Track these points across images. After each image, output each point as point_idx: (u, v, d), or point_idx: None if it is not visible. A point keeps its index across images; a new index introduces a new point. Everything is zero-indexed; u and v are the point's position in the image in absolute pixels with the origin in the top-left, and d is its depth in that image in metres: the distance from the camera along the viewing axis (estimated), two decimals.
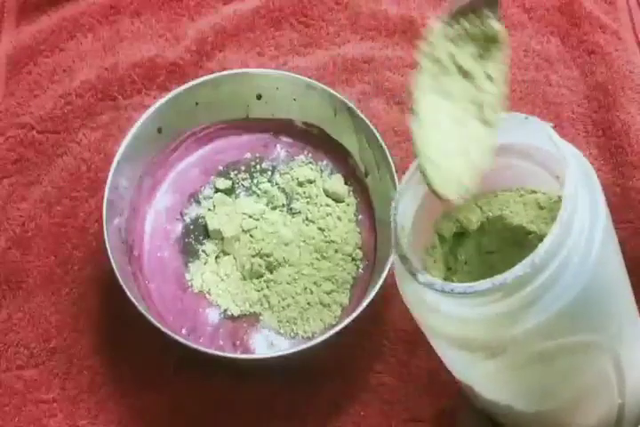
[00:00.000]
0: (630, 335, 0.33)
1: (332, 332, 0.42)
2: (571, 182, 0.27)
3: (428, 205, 0.32)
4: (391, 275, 0.46)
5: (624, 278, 0.31)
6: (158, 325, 0.41)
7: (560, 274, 0.26)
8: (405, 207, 0.31)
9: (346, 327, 0.42)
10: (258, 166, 0.52)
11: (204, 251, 0.49)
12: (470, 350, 0.30)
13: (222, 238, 0.48)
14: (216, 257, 0.48)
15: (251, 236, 0.48)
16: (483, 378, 0.32)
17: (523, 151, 0.31)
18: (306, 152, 0.52)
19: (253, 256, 0.48)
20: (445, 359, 0.34)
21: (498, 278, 0.26)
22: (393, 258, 0.31)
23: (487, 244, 0.33)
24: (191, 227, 0.50)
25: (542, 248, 0.26)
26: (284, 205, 0.50)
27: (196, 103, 0.50)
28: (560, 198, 0.31)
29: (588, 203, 0.28)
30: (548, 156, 0.30)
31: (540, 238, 0.26)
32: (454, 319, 0.29)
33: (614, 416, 0.35)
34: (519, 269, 0.26)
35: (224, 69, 0.53)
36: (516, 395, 0.33)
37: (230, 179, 0.51)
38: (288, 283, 0.47)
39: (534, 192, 0.33)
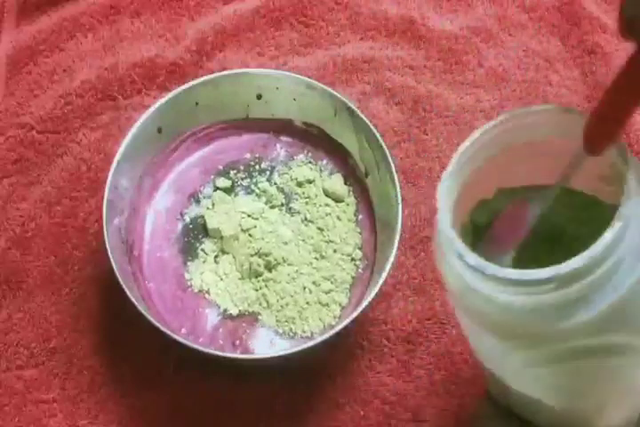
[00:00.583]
0: None
1: (332, 332, 0.42)
2: (632, 181, 0.27)
3: (468, 189, 0.31)
4: (391, 275, 0.46)
5: None
6: (158, 325, 0.41)
7: (615, 270, 0.26)
8: (450, 188, 0.31)
9: (346, 327, 0.42)
10: (257, 166, 0.52)
11: (203, 250, 0.49)
12: (509, 339, 0.29)
13: (221, 237, 0.48)
14: (215, 256, 0.48)
15: (249, 235, 0.48)
16: (516, 369, 0.32)
17: (568, 147, 0.31)
18: (305, 152, 0.52)
19: (252, 255, 0.48)
20: (479, 347, 0.33)
21: (554, 269, 0.26)
22: (436, 238, 0.31)
23: None
24: (191, 227, 0.50)
25: (602, 242, 0.26)
26: (282, 205, 0.50)
27: (196, 103, 0.50)
28: (599, 202, 0.31)
29: None
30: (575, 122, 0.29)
31: (575, 238, 0.26)
32: (500, 307, 0.28)
33: (637, 417, 0.35)
34: (577, 262, 0.26)
35: (224, 69, 0.53)
36: (547, 390, 0.32)
37: (230, 178, 0.51)
38: (287, 282, 0.47)
39: (574, 192, 0.32)
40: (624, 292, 0.27)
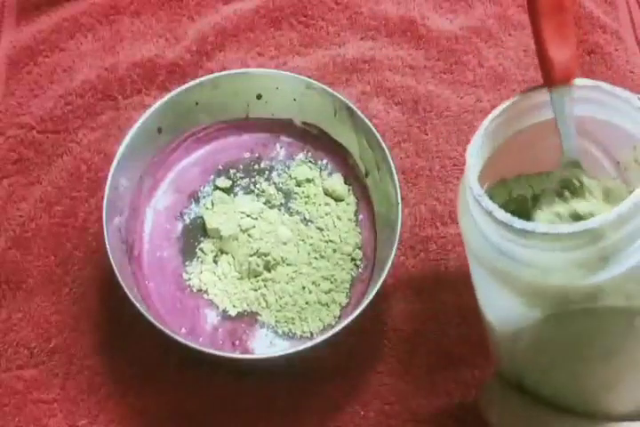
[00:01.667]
0: None
1: (331, 332, 0.42)
2: None
3: (491, 164, 0.31)
4: (391, 275, 0.46)
5: None
6: (158, 325, 0.41)
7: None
8: (479, 152, 0.31)
9: (346, 327, 0.42)
10: (256, 166, 0.52)
11: (202, 250, 0.49)
12: (534, 298, 0.29)
13: (220, 237, 0.48)
14: (214, 256, 0.48)
15: (249, 235, 0.48)
16: (532, 330, 0.31)
17: (588, 130, 0.31)
18: (305, 151, 0.52)
19: (251, 255, 0.48)
20: (498, 312, 0.33)
21: (584, 223, 0.26)
22: (459, 195, 0.30)
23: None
24: (191, 227, 0.50)
25: (632, 199, 0.26)
26: (281, 204, 0.50)
27: (196, 103, 0.50)
28: (613, 188, 0.31)
29: None
30: (617, 135, 0.29)
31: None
32: (524, 264, 0.28)
33: None
34: (607, 217, 0.26)
35: (224, 69, 0.53)
36: (560, 354, 0.32)
37: (230, 178, 0.51)
38: (286, 282, 0.47)
39: (591, 178, 0.32)
40: None
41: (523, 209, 0.32)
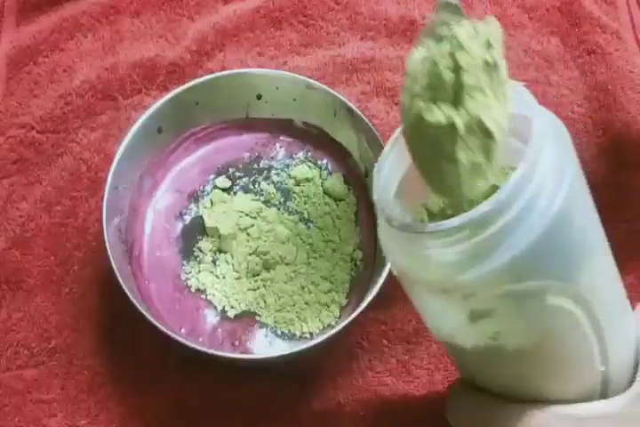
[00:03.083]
0: (608, 294, 0.33)
1: (331, 332, 0.42)
2: (537, 124, 0.28)
3: (416, 174, 0.32)
4: (391, 275, 0.46)
5: (596, 229, 0.32)
6: (158, 325, 0.41)
7: (526, 212, 0.27)
8: (391, 167, 0.32)
9: (346, 327, 0.42)
10: (256, 165, 0.52)
11: (201, 250, 0.49)
12: (444, 295, 0.30)
13: (219, 236, 0.48)
14: (213, 256, 0.48)
15: (247, 234, 0.48)
16: (460, 326, 0.32)
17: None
18: (305, 151, 0.52)
19: (250, 254, 0.48)
20: (426, 313, 0.34)
21: (464, 215, 0.27)
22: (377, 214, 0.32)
23: None
24: (190, 226, 0.50)
25: (509, 185, 0.26)
26: (280, 204, 0.50)
27: (196, 103, 0.50)
28: None
29: (556, 147, 0.28)
30: (526, 124, 0.30)
31: None
32: (428, 263, 0.29)
33: (598, 388, 0.35)
34: (486, 205, 0.26)
35: (224, 69, 0.53)
36: (493, 352, 0.33)
37: (229, 177, 0.51)
38: (285, 282, 0.47)
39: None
40: (538, 234, 0.27)
41: (459, 210, 0.33)
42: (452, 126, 0.27)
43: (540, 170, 0.27)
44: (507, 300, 0.29)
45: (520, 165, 0.27)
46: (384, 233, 0.32)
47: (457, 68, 0.28)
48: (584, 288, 0.30)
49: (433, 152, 0.29)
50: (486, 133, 0.28)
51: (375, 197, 0.31)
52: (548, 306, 0.30)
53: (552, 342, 0.32)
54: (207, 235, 0.49)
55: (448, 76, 0.28)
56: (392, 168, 0.32)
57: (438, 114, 0.28)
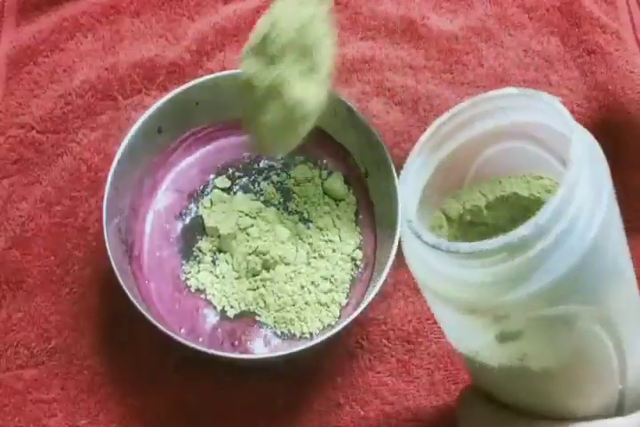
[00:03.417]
0: (632, 317, 0.33)
1: (331, 332, 0.42)
2: (577, 146, 0.27)
3: (437, 183, 0.32)
4: (391, 275, 0.46)
5: (625, 251, 0.31)
6: (158, 325, 0.41)
7: (564, 237, 0.26)
8: (415, 178, 0.31)
9: (346, 327, 0.42)
10: (256, 165, 0.52)
11: (201, 250, 0.49)
12: (474, 315, 0.29)
13: (219, 236, 0.48)
14: (212, 256, 0.48)
15: (247, 234, 0.48)
16: (486, 345, 0.32)
17: (530, 133, 0.31)
18: (305, 151, 0.52)
19: (249, 254, 0.48)
20: (449, 329, 0.33)
21: (503, 238, 0.26)
22: (400, 226, 0.32)
23: (486, 230, 0.33)
24: (190, 227, 0.50)
25: (548, 209, 0.26)
26: (280, 203, 0.50)
27: (196, 103, 0.50)
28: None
29: (592, 169, 0.28)
30: (555, 136, 0.29)
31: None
32: (459, 283, 0.29)
33: (615, 403, 0.35)
34: (524, 229, 0.26)
35: (224, 69, 0.53)
36: (517, 371, 0.32)
37: (229, 177, 0.51)
38: (285, 282, 0.47)
39: (541, 178, 0.32)
40: (576, 259, 0.27)
41: (479, 217, 0.33)
42: (252, 86, 0.27)
43: (580, 192, 0.27)
44: (538, 323, 0.29)
45: (559, 188, 0.26)
46: (409, 246, 0.31)
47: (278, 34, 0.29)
48: (612, 311, 0.30)
49: (249, 109, 0.28)
50: (285, 101, 0.28)
51: (401, 210, 0.30)
52: (578, 329, 0.30)
53: (577, 363, 0.32)
54: (207, 235, 0.49)
55: (271, 38, 0.28)
56: (415, 179, 0.32)
57: (251, 70, 0.27)
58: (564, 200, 0.26)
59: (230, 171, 0.51)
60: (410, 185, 0.31)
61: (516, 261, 0.27)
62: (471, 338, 0.33)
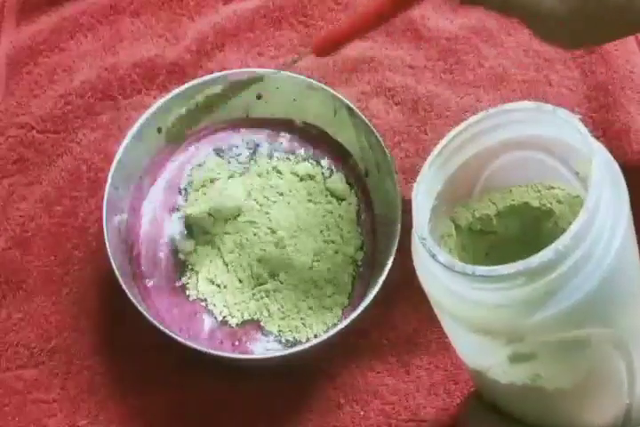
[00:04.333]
0: None
1: (331, 332, 0.42)
2: (597, 170, 0.27)
3: (448, 192, 0.31)
4: (391, 275, 0.46)
5: (639, 269, 0.31)
6: (158, 325, 0.41)
7: (584, 262, 0.26)
8: (427, 191, 0.31)
9: (346, 327, 0.42)
10: (256, 164, 0.51)
11: (202, 258, 0.48)
12: (487, 336, 0.29)
13: (222, 241, 0.48)
14: (211, 262, 0.48)
15: (247, 239, 0.48)
16: (498, 364, 0.32)
17: (543, 144, 0.31)
18: (305, 151, 0.52)
19: (252, 260, 0.47)
20: (460, 345, 0.33)
21: (521, 263, 0.26)
22: (413, 241, 0.31)
23: (495, 239, 0.33)
24: (190, 227, 0.49)
25: (568, 234, 0.26)
26: (280, 203, 0.50)
27: (196, 103, 0.49)
28: (579, 196, 0.31)
29: (612, 193, 0.28)
30: (570, 150, 0.29)
31: (559, 231, 0.26)
32: (473, 303, 0.28)
33: (621, 417, 0.35)
34: (544, 255, 0.26)
35: (224, 69, 0.53)
36: (528, 384, 0.33)
37: (230, 176, 0.51)
38: (288, 289, 0.47)
39: (552, 188, 0.32)
40: (594, 284, 0.27)
41: (489, 226, 0.33)
42: None
43: (599, 217, 0.26)
44: (552, 346, 0.29)
45: (580, 213, 0.26)
46: (422, 263, 0.31)
47: None
48: (627, 332, 0.30)
49: None
50: None
51: (415, 225, 0.30)
52: (593, 352, 0.30)
53: (590, 383, 0.32)
54: (207, 239, 0.49)
55: None
56: (428, 193, 0.32)
57: None
58: (585, 225, 0.26)
59: (231, 159, 0.51)
60: (422, 199, 0.31)
61: (533, 286, 0.26)
62: (482, 356, 0.33)
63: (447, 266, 0.28)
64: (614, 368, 0.32)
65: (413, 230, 0.30)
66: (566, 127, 0.29)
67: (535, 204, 0.32)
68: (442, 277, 0.29)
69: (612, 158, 0.30)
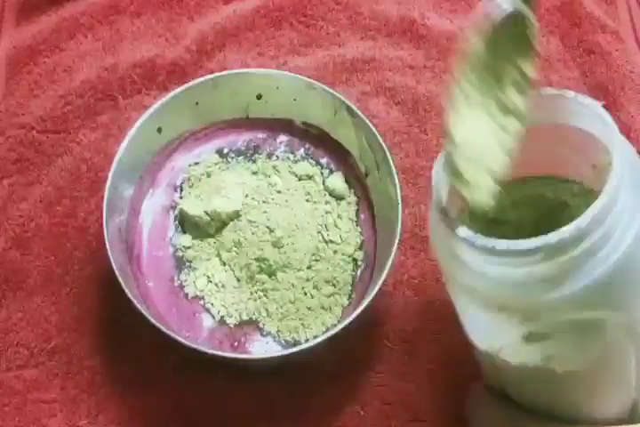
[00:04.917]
0: None
1: (331, 332, 0.42)
2: (619, 152, 0.27)
3: None
4: (391, 275, 0.46)
5: None
6: (158, 325, 0.41)
7: (603, 242, 0.27)
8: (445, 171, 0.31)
9: (345, 328, 0.42)
10: (255, 164, 0.51)
11: (199, 253, 0.48)
12: (502, 314, 0.29)
13: (219, 240, 0.48)
14: (208, 260, 0.48)
15: (245, 238, 0.48)
16: (511, 343, 0.32)
17: (560, 134, 0.31)
18: (305, 151, 0.52)
19: (250, 259, 0.47)
20: (472, 325, 0.33)
21: (542, 239, 0.26)
22: (430, 214, 0.31)
23: (508, 228, 0.33)
24: (190, 228, 0.49)
25: (590, 213, 0.26)
26: (279, 202, 0.50)
27: (196, 103, 0.50)
28: (594, 190, 0.31)
29: (631, 180, 0.28)
30: (588, 140, 0.29)
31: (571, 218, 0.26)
32: (491, 279, 0.28)
33: (627, 411, 0.35)
34: (564, 231, 0.26)
35: (224, 69, 0.53)
36: (540, 370, 0.32)
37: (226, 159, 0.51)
38: (286, 289, 0.47)
39: (567, 181, 0.32)
40: (612, 265, 0.27)
41: (503, 215, 0.33)
42: None
43: (621, 200, 0.27)
44: (567, 326, 0.29)
45: (602, 193, 0.26)
46: (439, 238, 0.31)
47: None
48: (638, 320, 0.30)
49: None
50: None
51: (434, 200, 0.30)
52: (606, 336, 0.30)
53: (600, 369, 0.32)
54: (206, 238, 0.49)
55: None
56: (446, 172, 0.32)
57: None
58: (606, 206, 0.26)
59: (228, 152, 0.51)
60: (441, 177, 0.31)
61: (551, 263, 0.27)
62: (495, 335, 0.32)
63: (469, 240, 0.28)
64: (625, 357, 0.32)
65: (432, 206, 0.30)
66: (586, 113, 0.29)
67: (550, 196, 0.32)
68: (459, 251, 0.29)
69: (630, 144, 0.30)
